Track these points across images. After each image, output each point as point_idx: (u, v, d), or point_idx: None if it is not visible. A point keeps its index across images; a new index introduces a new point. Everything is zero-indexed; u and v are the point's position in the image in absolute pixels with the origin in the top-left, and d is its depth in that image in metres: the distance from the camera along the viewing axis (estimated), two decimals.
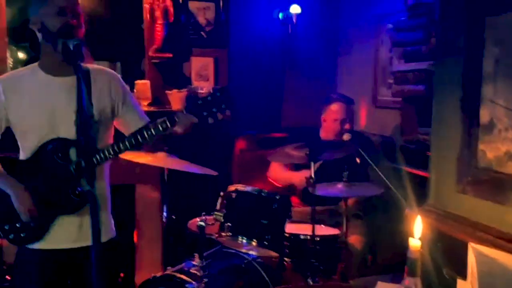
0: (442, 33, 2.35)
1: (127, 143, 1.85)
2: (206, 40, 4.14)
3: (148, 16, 3.90)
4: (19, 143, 2.00)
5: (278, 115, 4.58)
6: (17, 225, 1.93)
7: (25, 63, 3.66)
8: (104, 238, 1.75)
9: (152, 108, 3.82)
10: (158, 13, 3.86)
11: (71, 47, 1.76)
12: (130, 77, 3.87)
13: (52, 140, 1.89)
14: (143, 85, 3.84)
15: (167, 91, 3.89)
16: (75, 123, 1.77)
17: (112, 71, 2.13)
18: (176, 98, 3.86)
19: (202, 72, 4.15)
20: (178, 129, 1.86)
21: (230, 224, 2.53)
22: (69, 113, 1.84)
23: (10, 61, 3.93)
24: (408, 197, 2.65)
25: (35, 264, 1.99)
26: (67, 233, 1.98)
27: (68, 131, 1.86)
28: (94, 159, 1.82)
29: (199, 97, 1.83)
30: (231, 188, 2.62)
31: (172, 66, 4.01)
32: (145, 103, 3.82)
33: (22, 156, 1.98)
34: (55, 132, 1.90)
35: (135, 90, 3.81)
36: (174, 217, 3.28)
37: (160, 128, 1.80)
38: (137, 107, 2.17)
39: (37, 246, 1.98)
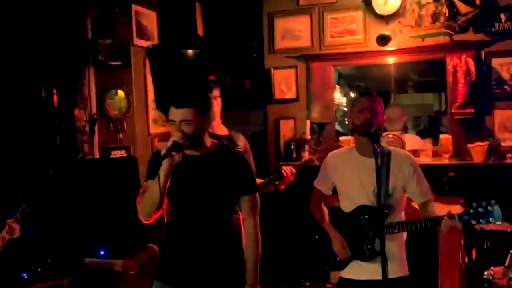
0: None
1: (418, 224, 2.42)
2: (511, 92, 4.26)
3: (450, 77, 4.33)
4: (340, 200, 2.70)
5: None
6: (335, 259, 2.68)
7: None
8: (393, 275, 2.30)
9: (452, 161, 4.21)
10: (460, 74, 4.25)
11: (372, 135, 2.39)
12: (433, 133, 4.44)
13: (362, 206, 2.56)
14: (445, 140, 4.28)
15: (468, 145, 4.20)
16: (374, 194, 2.42)
17: (406, 153, 2.67)
18: (477, 151, 4.14)
19: (507, 124, 4.28)
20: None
21: None
22: (371, 186, 2.49)
23: None
24: None
25: None
26: (361, 269, 2.55)
27: (370, 199, 2.52)
28: (386, 226, 2.39)
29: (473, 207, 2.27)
30: None
31: (474, 121, 4.31)
32: (447, 155, 4.25)
33: (347, 209, 2.66)
34: (362, 198, 2.56)
35: (438, 144, 4.30)
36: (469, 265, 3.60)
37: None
38: (421, 184, 2.57)
39: (343, 275, 2.61)
